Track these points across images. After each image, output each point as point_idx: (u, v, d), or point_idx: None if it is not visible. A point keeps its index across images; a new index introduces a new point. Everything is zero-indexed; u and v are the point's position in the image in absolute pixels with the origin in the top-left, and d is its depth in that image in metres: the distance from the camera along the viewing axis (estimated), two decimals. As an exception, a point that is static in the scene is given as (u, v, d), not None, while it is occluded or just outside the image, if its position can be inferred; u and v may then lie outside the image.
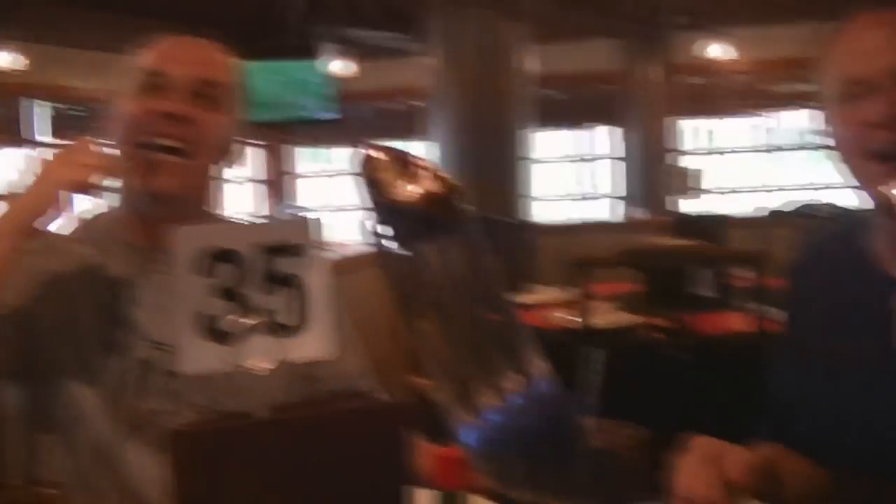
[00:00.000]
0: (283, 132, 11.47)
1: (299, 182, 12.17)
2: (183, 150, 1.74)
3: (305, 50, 10.31)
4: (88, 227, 1.86)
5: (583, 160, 12.29)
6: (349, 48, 10.22)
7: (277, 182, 11.83)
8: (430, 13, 7.44)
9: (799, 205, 6.03)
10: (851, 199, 1.64)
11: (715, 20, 9.68)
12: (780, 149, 11.13)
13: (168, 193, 1.75)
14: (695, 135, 11.64)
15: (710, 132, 11.74)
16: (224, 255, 0.93)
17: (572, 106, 11.34)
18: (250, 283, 0.94)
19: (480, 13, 7.26)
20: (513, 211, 7.25)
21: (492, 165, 7.60)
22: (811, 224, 5.31)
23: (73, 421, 1.74)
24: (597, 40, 10.41)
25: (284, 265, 0.96)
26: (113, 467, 1.73)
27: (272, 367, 0.93)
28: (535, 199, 8.55)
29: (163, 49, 1.83)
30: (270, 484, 0.89)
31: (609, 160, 11.45)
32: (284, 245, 0.95)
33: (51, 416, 1.74)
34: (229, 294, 0.93)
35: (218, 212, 1.96)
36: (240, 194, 11.30)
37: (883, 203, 1.41)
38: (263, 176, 11.79)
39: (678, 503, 1.42)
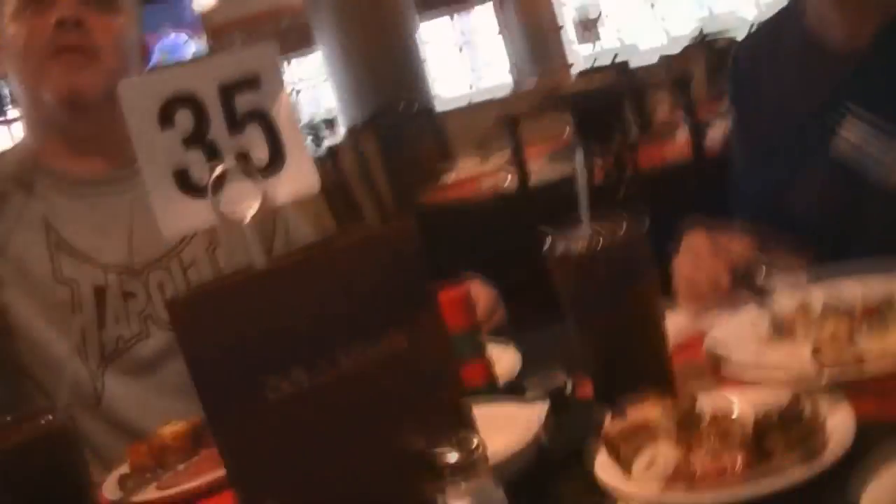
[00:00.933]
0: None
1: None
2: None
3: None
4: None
5: (468, 42, 12.22)
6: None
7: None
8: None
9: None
10: None
11: None
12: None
13: (88, 95, 1.66)
14: None
15: None
16: (180, 102, 0.85)
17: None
18: (215, 126, 0.86)
19: None
20: (414, 98, 7.17)
21: (383, 59, 7.52)
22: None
23: (42, 365, 1.67)
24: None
25: (247, 101, 0.87)
26: (94, 402, 1.67)
27: (256, 212, 0.85)
28: (434, 83, 8.51)
29: None
30: (276, 331, 0.82)
31: (493, 38, 11.44)
32: (243, 79, 0.87)
33: (20, 363, 1.67)
34: (195, 142, 0.85)
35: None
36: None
37: None
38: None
39: (683, 296, 1.40)
